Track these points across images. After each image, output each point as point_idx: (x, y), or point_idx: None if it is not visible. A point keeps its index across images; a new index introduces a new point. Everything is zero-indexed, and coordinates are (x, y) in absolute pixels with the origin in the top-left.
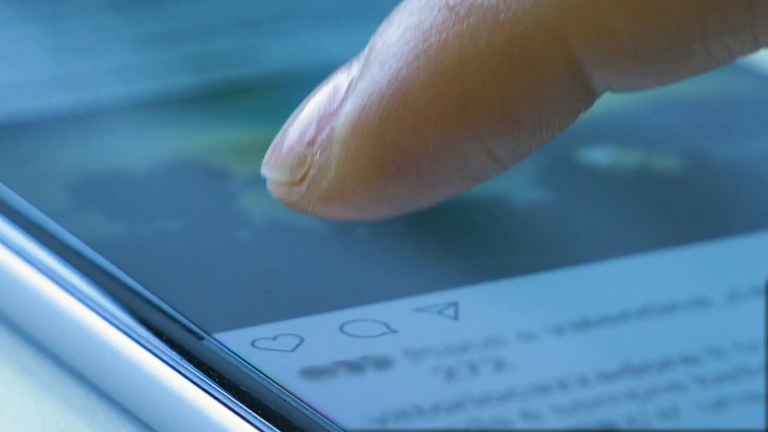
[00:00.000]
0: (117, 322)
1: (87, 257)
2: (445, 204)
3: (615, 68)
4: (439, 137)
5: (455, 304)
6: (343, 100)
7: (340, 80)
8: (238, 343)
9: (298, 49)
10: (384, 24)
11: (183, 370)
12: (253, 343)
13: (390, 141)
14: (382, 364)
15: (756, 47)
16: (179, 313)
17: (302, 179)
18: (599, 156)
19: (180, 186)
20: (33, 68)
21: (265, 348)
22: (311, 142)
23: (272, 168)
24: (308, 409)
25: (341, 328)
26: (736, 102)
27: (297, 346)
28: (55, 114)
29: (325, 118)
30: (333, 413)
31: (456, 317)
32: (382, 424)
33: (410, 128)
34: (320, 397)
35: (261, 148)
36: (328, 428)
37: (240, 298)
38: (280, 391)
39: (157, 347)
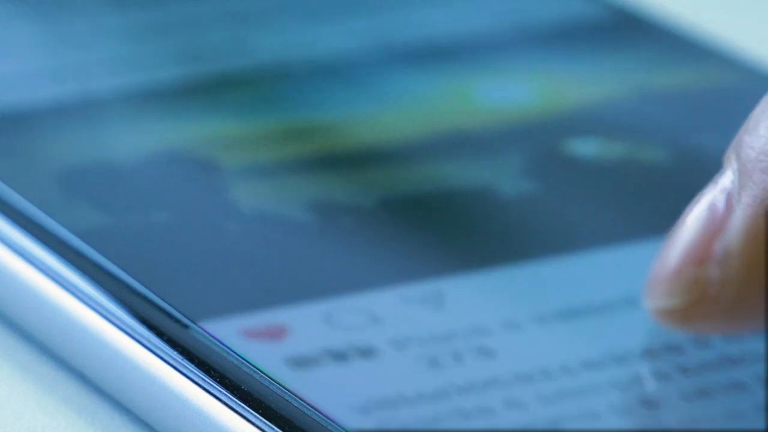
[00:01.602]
0: (118, 322)
1: (88, 256)
2: (432, 195)
3: None
4: None
5: (441, 294)
6: (728, 213)
7: (712, 196)
8: (225, 331)
9: (287, 42)
10: (749, 129)
11: (184, 370)
12: (239, 332)
13: None
14: (366, 352)
15: None
16: (181, 313)
17: (699, 299)
18: (585, 148)
19: (169, 177)
20: (21, 60)
21: (251, 337)
22: (700, 261)
23: (661, 296)
24: (310, 409)
25: (327, 318)
26: (722, 94)
27: (283, 335)
28: (43, 105)
29: (709, 234)
30: (318, 402)
31: (441, 307)
32: (365, 413)
33: None
34: (305, 386)
35: (250, 140)
36: (330, 428)
37: (228, 287)
38: (284, 392)
39: (157, 347)
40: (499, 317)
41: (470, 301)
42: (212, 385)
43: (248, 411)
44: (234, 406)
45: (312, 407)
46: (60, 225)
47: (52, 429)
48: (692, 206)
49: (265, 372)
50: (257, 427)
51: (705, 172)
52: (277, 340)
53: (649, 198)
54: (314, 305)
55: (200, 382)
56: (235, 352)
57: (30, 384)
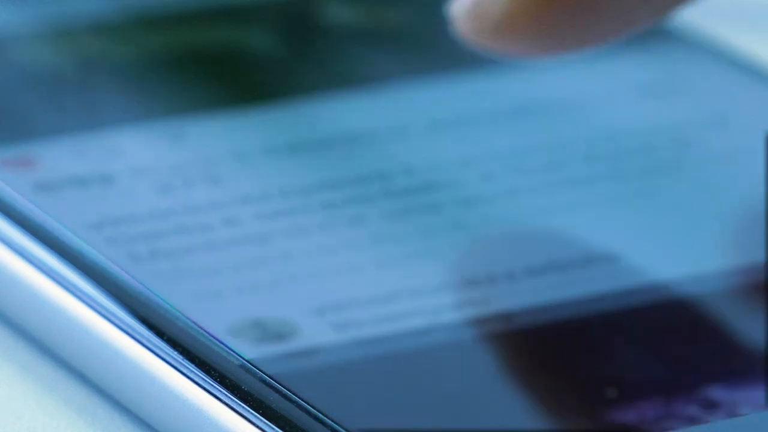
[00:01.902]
0: (117, 322)
1: (88, 257)
2: (186, 52)
3: None
4: None
5: (182, 130)
6: None
7: None
8: None
9: None
10: None
11: (184, 370)
12: None
13: None
14: (107, 179)
15: None
16: (181, 313)
17: (477, 15)
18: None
19: None
20: None
21: (3, 165)
22: None
23: (457, 16)
24: (310, 409)
25: (75, 150)
26: None
27: (34, 164)
28: None
29: None
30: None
31: (180, 141)
32: (99, 230)
33: None
34: (50, 208)
35: None
36: (330, 428)
37: None
38: (284, 392)
39: (157, 347)
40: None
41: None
42: (212, 385)
43: (248, 411)
44: (234, 406)
45: (312, 407)
46: (61, 225)
47: (52, 429)
48: None
49: (266, 372)
50: (257, 427)
51: None
52: (28, 168)
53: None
54: (65, 138)
55: (200, 382)
56: (235, 352)
57: (30, 384)
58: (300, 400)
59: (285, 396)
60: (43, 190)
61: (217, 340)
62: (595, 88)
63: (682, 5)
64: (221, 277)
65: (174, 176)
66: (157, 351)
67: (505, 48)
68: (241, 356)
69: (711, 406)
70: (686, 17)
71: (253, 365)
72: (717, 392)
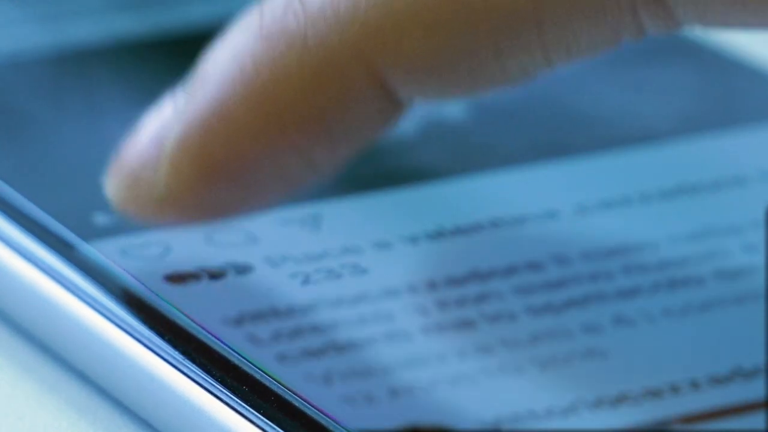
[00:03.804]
0: (119, 322)
1: (89, 256)
2: None
3: (415, 82)
4: (257, 149)
5: (318, 216)
6: (173, 121)
7: (173, 102)
8: (108, 250)
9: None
10: (212, 48)
11: (185, 370)
12: (123, 251)
13: (211, 154)
14: (243, 270)
15: (549, 65)
16: (182, 313)
17: (138, 195)
18: None
19: None
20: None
21: (134, 255)
22: (146, 163)
23: (113, 187)
24: (311, 409)
25: (207, 237)
26: None
27: (164, 254)
28: None
29: (159, 138)
30: (195, 313)
31: (318, 228)
32: (239, 324)
33: (228, 142)
34: (182, 299)
35: None
36: (330, 428)
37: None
38: (286, 392)
39: (159, 347)
40: (372, 238)
41: (346, 223)
42: (214, 385)
43: (250, 411)
44: (235, 406)
45: (312, 407)
46: (61, 225)
47: (53, 429)
48: (157, 105)
49: (268, 372)
50: (258, 426)
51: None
52: (159, 258)
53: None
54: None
55: (201, 382)
56: (236, 352)
57: (31, 384)
58: (301, 400)
59: (287, 396)
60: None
61: (218, 339)
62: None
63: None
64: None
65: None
66: (159, 351)
67: (168, 222)
68: (242, 356)
69: None
70: None
71: (254, 365)
72: None
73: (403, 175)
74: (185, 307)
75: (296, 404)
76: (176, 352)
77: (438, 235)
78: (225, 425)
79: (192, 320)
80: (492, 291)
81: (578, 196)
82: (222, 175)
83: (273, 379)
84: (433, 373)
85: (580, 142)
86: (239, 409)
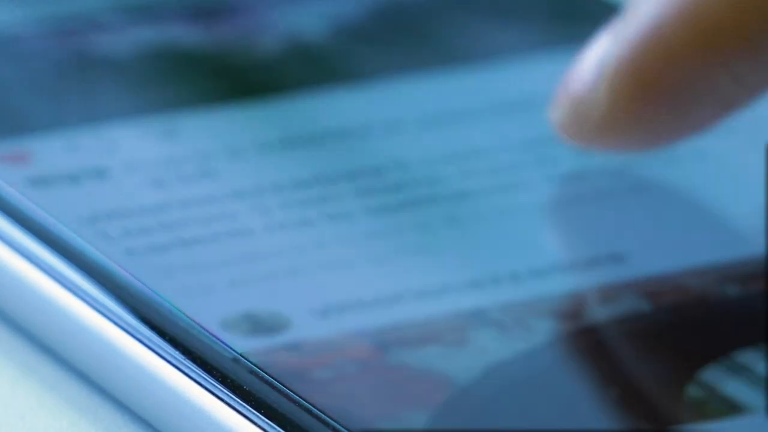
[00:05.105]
0: (119, 321)
1: (90, 256)
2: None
3: None
4: (691, 67)
5: (175, 127)
6: (612, 46)
7: (612, 32)
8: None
9: None
10: None
11: (185, 369)
12: None
13: (648, 73)
14: (100, 173)
15: None
16: (183, 313)
17: (580, 119)
18: None
19: None
20: None
21: None
22: (587, 87)
23: (557, 113)
24: (311, 409)
25: (68, 144)
26: None
27: (29, 159)
28: None
29: (599, 63)
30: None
31: (175, 138)
32: (93, 224)
33: (663, 60)
34: (44, 201)
35: None
36: (331, 428)
37: None
38: (286, 391)
39: (159, 346)
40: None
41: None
42: (214, 385)
43: (250, 410)
44: (236, 406)
45: (313, 406)
46: (61, 225)
47: (54, 428)
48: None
49: (268, 371)
50: (259, 426)
51: None
52: (22, 163)
53: None
54: (58, 134)
55: (202, 382)
56: (237, 352)
57: (32, 384)
58: (302, 400)
59: (287, 396)
60: (37, 186)
61: (218, 339)
62: None
63: None
64: (214, 271)
65: (167, 171)
66: (159, 350)
67: (608, 146)
68: (242, 356)
69: None
70: None
71: (255, 365)
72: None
73: (261, 89)
74: (46, 209)
75: (296, 404)
76: (176, 352)
77: (289, 143)
78: (225, 425)
79: (192, 320)
80: (334, 193)
81: (422, 109)
82: (658, 94)
83: (274, 379)
84: (270, 265)
85: (430, 60)
86: (240, 408)
